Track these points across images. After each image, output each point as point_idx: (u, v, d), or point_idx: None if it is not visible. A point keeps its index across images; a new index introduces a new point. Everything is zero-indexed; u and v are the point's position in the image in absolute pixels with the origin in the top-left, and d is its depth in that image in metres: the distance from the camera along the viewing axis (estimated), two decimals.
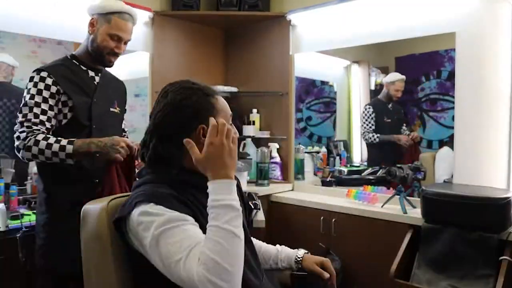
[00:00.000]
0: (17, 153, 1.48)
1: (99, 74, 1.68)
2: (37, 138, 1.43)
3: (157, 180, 1.08)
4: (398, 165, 2.30)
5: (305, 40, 2.75)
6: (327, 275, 1.26)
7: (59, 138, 1.45)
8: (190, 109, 1.10)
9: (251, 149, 2.84)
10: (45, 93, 1.50)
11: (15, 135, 1.48)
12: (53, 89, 1.51)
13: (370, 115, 2.85)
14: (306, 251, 1.35)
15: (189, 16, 2.82)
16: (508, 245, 1.76)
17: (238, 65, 3.07)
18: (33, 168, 2.16)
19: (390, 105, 2.86)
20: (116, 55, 1.64)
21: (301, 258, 1.32)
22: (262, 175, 2.69)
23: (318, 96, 3.24)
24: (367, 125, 2.85)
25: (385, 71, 3.00)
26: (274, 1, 2.87)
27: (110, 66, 1.67)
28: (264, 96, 2.92)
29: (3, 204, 1.76)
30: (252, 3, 2.77)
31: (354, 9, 2.47)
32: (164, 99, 1.14)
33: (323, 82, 3.26)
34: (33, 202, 2.00)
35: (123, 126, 1.86)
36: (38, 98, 1.48)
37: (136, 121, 2.88)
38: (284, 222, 2.57)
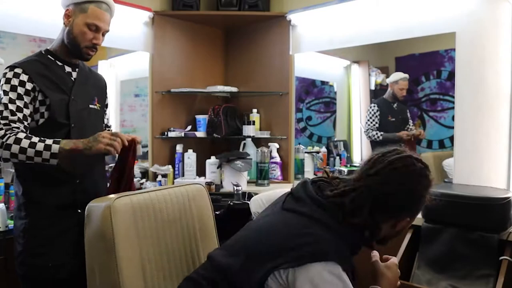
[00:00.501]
0: None
1: (76, 69, 1.57)
2: (18, 136, 1.32)
3: (340, 234, 1.00)
4: None
5: (305, 40, 2.75)
6: None
7: (42, 138, 1.35)
8: (421, 200, 1.06)
9: (251, 149, 2.84)
10: (20, 90, 1.39)
11: None
12: (29, 85, 1.41)
13: (374, 113, 2.85)
14: None
15: (189, 16, 2.82)
16: (508, 245, 1.76)
17: (238, 65, 3.07)
18: None
19: (395, 105, 2.85)
20: (94, 47, 1.53)
21: None
22: (262, 175, 2.69)
23: (318, 96, 3.24)
24: (371, 123, 2.84)
25: (385, 71, 2.99)
26: (274, 1, 2.87)
27: (88, 59, 1.56)
28: (264, 96, 2.92)
29: (3, 204, 1.76)
30: (252, 3, 2.77)
31: (354, 9, 2.47)
32: (391, 165, 1.04)
33: (323, 82, 3.26)
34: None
35: (106, 122, 1.77)
36: (12, 95, 1.38)
37: (136, 121, 2.89)
38: None
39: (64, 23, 1.51)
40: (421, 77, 2.77)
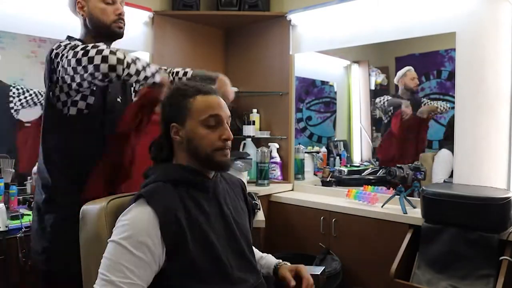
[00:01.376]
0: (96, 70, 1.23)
1: None
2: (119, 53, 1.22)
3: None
4: (398, 165, 2.30)
5: (305, 40, 2.75)
6: (293, 282, 1.22)
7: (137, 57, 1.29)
8: (167, 109, 1.17)
9: (251, 149, 2.84)
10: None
11: (85, 59, 1.24)
12: None
13: (385, 100, 2.86)
14: (287, 263, 1.33)
15: (189, 16, 2.82)
16: (508, 245, 1.76)
17: (238, 65, 3.07)
18: (33, 168, 2.16)
19: (409, 102, 2.80)
20: (120, 18, 1.46)
21: (278, 266, 1.30)
22: (262, 175, 2.69)
23: (318, 96, 3.24)
24: (380, 102, 2.87)
25: (385, 71, 2.99)
26: (274, 1, 2.87)
27: (121, 33, 1.49)
28: (264, 96, 2.92)
29: (3, 204, 1.76)
30: (252, 3, 2.78)
31: (354, 9, 2.47)
32: None
33: (323, 82, 3.26)
34: (33, 202, 1.99)
35: None
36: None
37: None
38: (284, 222, 2.57)
39: (81, 14, 1.46)
40: (421, 77, 2.77)
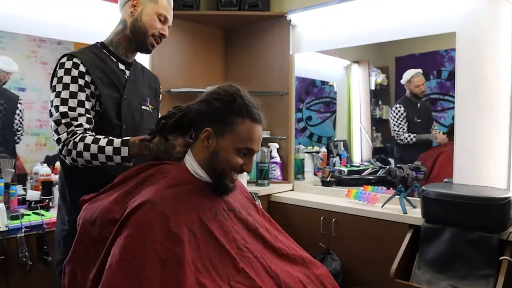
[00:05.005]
0: (63, 158, 1.28)
1: (130, 68, 1.48)
2: (86, 141, 1.23)
3: None
4: (398, 165, 2.30)
5: (305, 40, 2.75)
6: None
7: (110, 138, 1.25)
8: (210, 109, 1.13)
9: None
10: (81, 81, 1.30)
11: (54, 138, 1.29)
12: (88, 78, 1.31)
13: (401, 114, 2.73)
14: None
15: (189, 16, 2.82)
16: (508, 245, 1.76)
17: (238, 65, 3.07)
18: (33, 168, 2.16)
19: (419, 104, 2.75)
20: (161, 37, 1.47)
21: None
22: (262, 175, 2.69)
23: (318, 96, 3.24)
24: (399, 125, 2.73)
25: (385, 71, 2.99)
26: (274, 1, 2.87)
27: (151, 50, 1.48)
28: (264, 96, 2.92)
29: (3, 204, 1.76)
30: (252, 3, 2.77)
31: (354, 9, 2.47)
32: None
33: (323, 82, 3.26)
34: (33, 202, 1.99)
35: None
36: (73, 87, 1.28)
37: None
38: (284, 222, 2.56)
39: (130, 12, 1.43)
40: None
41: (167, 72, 2.76)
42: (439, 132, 2.65)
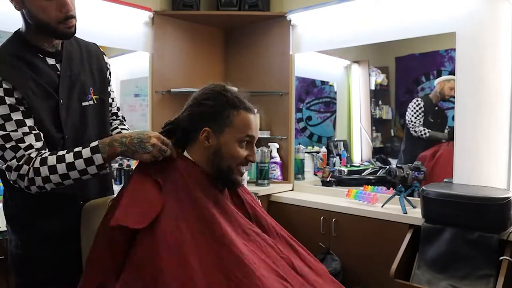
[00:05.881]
0: (24, 187, 1.11)
1: (61, 59, 1.22)
2: (49, 164, 1.08)
3: None
4: (398, 165, 2.30)
5: (305, 40, 2.75)
6: None
7: (75, 150, 1.10)
8: (201, 109, 1.13)
9: None
10: (9, 100, 1.09)
11: (3, 166, 1.11)
12: (17, 94, 1.10)
13: (420, 108, 2.76)
14: None
15: (189, 16, 2.82)
16: (508, 245, 1.76)
17: (238, 65, 3.07)
18: None
19: (436, 107, 2.78)
20: (68, 17, 1.13)
21: None
22: (262, 175, 2.69)
23: (318, 96, 3.24)
24: (417, 118, 2.76)
25: (385, 71, 3.00)
26: (274, 1, 2.87)
27: (72, 34, 1.18)
28: (264, 96, 2.92)
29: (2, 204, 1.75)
30: (252, 3, 2.77)
31: (354, 9, 2.47)
32: (197, 93, 1.18)
33: (323, 82, 3.26)
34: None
35: (117, 111, 1.48)
36: (3, 109, 1.09)
37: (136, 121, 2.88)
38: (284, 222, 2.53)
39: (15, 7, 1.17)
40: (421, 77, 2.78)
41: (167, 72, 2.76)
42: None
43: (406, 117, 2.81)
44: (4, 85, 1.08)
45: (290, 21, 2.77)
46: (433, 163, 2.56)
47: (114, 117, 1.48)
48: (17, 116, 1.10)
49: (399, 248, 1.96)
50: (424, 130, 2.73)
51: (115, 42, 2.46)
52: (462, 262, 1.81)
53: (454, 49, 2.14)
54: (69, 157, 1.09)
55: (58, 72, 1.20)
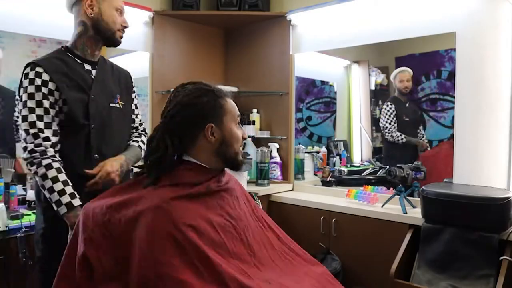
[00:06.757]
0: (26, 163, 1.38)
1: (96, 67, 1.52)
2: (48, 172, 1.33)
3: None
4: (398, 165, 2.30)
5: (305, 40, 2.75)
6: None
7: (63, 188, 1.33)
8: (199, 108, 1.16)
9: (251, 149, 2.84)
10: (44, 90, 1.37)
11: (22, 144, 1.38)
12: (52, 85, 1.38)
13: (392, 112, 2.77)
14: None
15: (189, 16, 2.82)
16: (509, 245, 1.76)
17: (238, 65, 3.07)
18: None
19: (407, 104, 2.79)
20: (124, 29, 1.54)
21: None
22: (262, 175, 2.69)
23: (318, 96, 3.24)
24: (390, 123, 2.76)
25: (385, 71, 2.99)
26: (274, 1, 2.87)
27: (120, 42, 1.54)
28: (264, 96, 2.92)
29: (3, 204, 1.76)
30: (252, 3, 2.77)
31: (354, 9, 2.47)
32: (176, 98, 1.18)
33: (323, 82, 3.26)
34: (33, 202, 1.99)
35: (136, 118, 1.72)
36: (38, 96, 1.36)
37: None
38: (284, 222, 2.56)
39: (87, 14, 1.45)
40: (421, 77, 2.77)
41: (167, 72, 2.76)
42: (423, 138, 2.73)
43: (380, 124, 2.84)
44: (43, 77, 1.36)
45: (290, 21, 2.77)
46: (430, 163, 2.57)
47: (134, 130, 1.71)
48: (46, 105, 1.37)
49: (399, 248, 1.96)
50: (401, 135, 2.74)
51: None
52: (462, 262, 1.81)
53: (454, 49, 2.14)
54: (58, 186, 1.33)
55: (92, 76, 1.49)
